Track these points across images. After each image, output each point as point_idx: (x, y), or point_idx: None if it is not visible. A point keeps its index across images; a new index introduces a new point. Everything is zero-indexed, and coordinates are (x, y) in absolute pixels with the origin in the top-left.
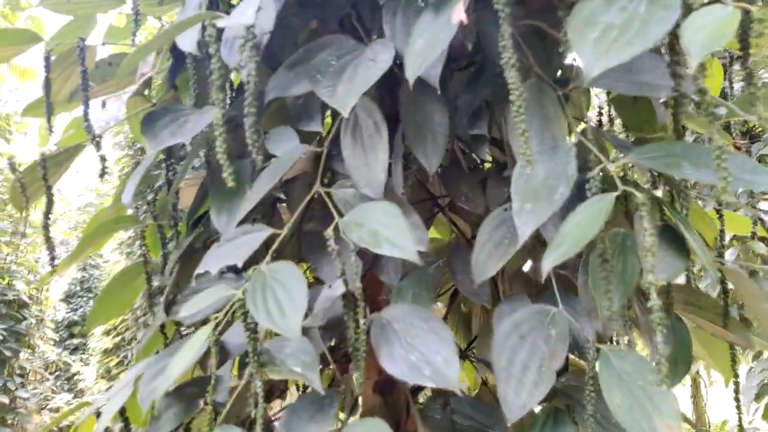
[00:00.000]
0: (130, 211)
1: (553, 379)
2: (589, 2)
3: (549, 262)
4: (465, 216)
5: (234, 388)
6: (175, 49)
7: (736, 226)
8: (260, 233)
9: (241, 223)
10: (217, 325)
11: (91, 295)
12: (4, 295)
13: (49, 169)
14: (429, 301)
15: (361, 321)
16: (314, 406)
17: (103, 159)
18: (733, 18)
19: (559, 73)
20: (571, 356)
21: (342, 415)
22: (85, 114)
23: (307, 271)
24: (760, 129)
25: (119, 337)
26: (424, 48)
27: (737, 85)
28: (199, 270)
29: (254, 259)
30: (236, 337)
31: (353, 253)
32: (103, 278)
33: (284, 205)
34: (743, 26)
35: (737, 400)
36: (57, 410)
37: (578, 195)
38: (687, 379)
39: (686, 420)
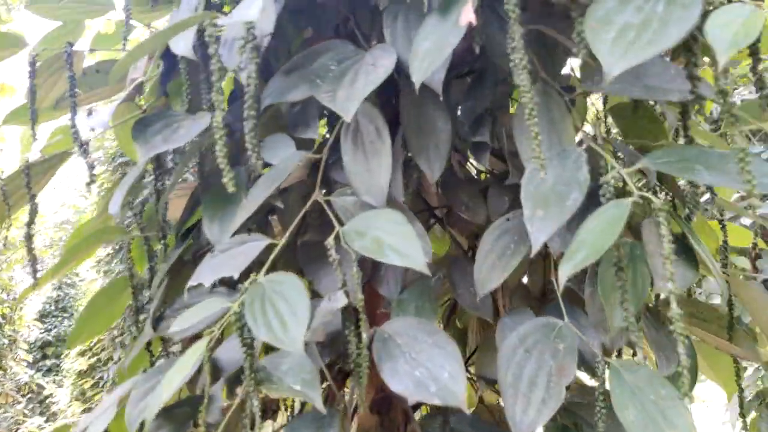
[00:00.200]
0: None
1: (562, 396)
2: (604, 2)
3: (567, 269)
4: (461, 228)
5: (228, 407)
6: (166, 55)
7: (737, 237)
8: (257, 243)
9: (236, 233)
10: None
11: (66, 314)
12: None
13: (33, 177)
14: (432, 314)
15: (364, 335)
16: (315, 425)
17: (90, 167)
18: (757, 16)
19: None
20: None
21: None
22: (73, 120)
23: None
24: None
25: (95, 358)
26: (431, 51)
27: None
28: (192, 282)
29: (248, 272)
30: (228, 353)
31: (355, 263)
32: (79, 297)
33: (275, 217)
34: None
35: (743, 415)
36: None
37: (585, 202)
38: None
39: None
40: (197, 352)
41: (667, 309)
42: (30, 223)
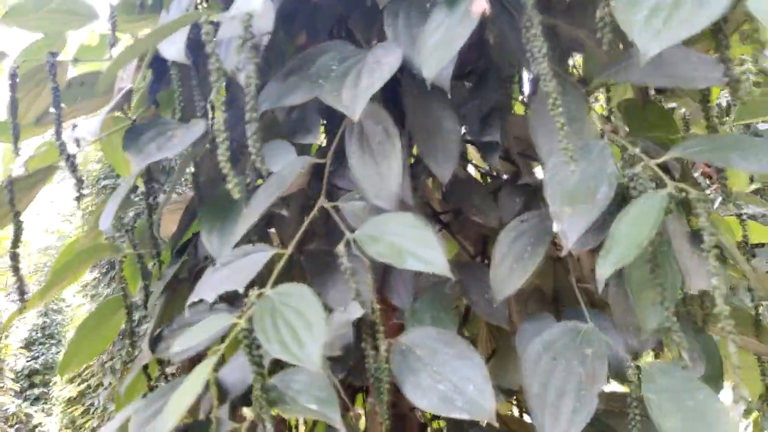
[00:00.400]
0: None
1: (594, 404)
2: None
3: (606, 268)
4: (465, 233)
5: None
6: (155, 63)
7: (756, 233)
8: (262, 254)
9: (237, 245)
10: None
11: (53, 341)
12: None
13: (16, 193)
14: (451, 323)
15: (382, 348)
16: None
17: (79, 180)
18: None
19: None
20: None
21: None
22: (57, 132)
23: None
24: None
25: (84, 384)
26: (440, 44)
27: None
28: (193, 298)
29: (248, 286)
30: (233, 373)
31: (369, 270)
32: (66, 323)
33: (272, 229)
34: None
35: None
36: None
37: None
38: None
39: None
40: (203, 372)
41: (696, 307)
42: (15, 242)
